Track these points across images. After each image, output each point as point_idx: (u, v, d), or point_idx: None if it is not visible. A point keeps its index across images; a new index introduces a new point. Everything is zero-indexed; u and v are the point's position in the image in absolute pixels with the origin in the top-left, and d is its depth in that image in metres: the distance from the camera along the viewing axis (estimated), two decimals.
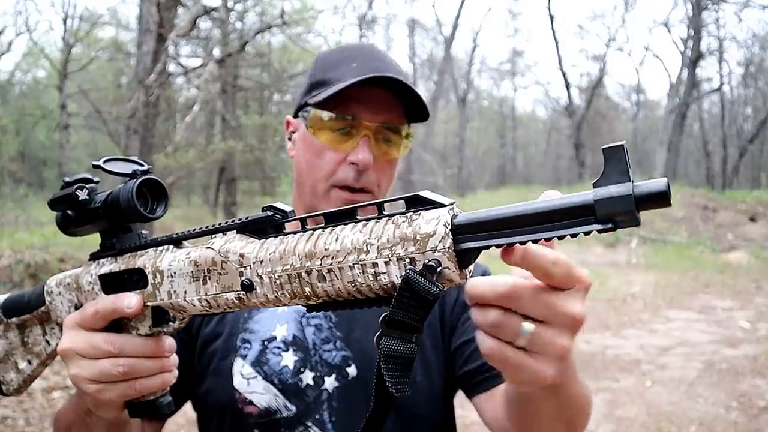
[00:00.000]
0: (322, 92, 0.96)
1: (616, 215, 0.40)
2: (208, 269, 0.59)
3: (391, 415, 0.94)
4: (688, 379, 5.23)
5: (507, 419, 0.82)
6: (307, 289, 0.52)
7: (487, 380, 0.96)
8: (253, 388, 0.98)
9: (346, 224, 0.51)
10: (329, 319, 1.02)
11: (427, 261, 0.45)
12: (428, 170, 23.89)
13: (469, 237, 0.45)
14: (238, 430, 0.98)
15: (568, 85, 26.80)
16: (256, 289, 0.55)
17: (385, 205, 0.51)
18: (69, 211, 0.71)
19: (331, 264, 0.49)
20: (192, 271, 0.61)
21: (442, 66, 27.73)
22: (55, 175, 23.27)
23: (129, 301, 0.66)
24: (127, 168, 0.69)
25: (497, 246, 0.45)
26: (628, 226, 0.40)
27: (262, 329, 1.02)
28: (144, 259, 0.67)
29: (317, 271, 0.50)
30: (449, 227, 0.45)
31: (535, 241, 0.43)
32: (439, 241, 0.45)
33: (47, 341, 0.82)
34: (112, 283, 0.71)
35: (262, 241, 0.56)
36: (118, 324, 0.70)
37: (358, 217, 0.51)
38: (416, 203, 0.48)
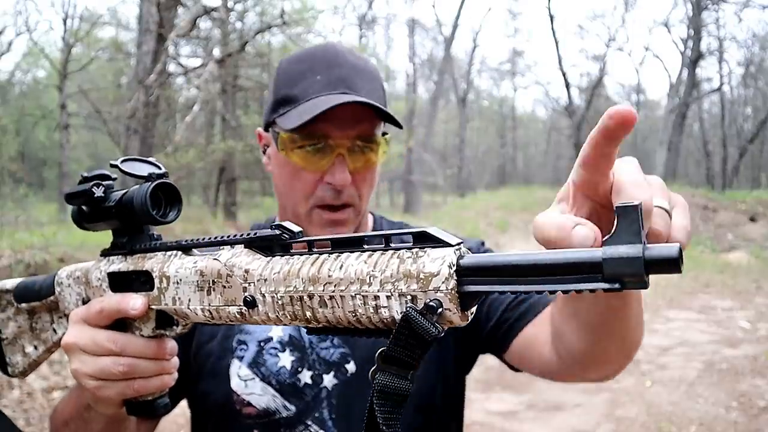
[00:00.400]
0: (290, 111, 0.94)
1: (623, 276, 0.39)
2: (213, 281, 0.60)
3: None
4: (688, 379, 5.23)
5: (575, 341, 0.80)
6: (308, 313, 0.52)
7: (527, 312, 0.96)
8: (251, 389, 0.97)
9: (353, 252, 0.51)
10: None
11: (428, 300, 0.45)
12: (428, 170, 23.90)
13: (473, 280, 0.45)
14: None
15: (568, 85, 26.80)
16: (258, 306, 0.56)
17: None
18: (84, 207, 0.72)
19: (333, 291, 0.50)
20: (197, 281, 0.62)
21: (442, 66, 27.73)
22: (55, 175, 23.28)
23: (134, 302, 0.67)
24: (144, 170, 0.69)
25: (500, 292, 0.45)
26: (635, 288, 0.40)
27: (258, 330, 1.01)
28: (152, 263, 0.68)
29: (319, 296, 0.51)
30: (454, 268, 0.45)
31: (539, 293, 0.43)
32: (443, 282, 0.45)
33: (54, 329, 0.84)
34: (119, 282, 0.72)
35: (268, 258, 0.56)
36: (122, 323, 0.71)
37: (365, 247, 0.51)
38: (424, 239, 0.47)
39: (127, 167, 0.69)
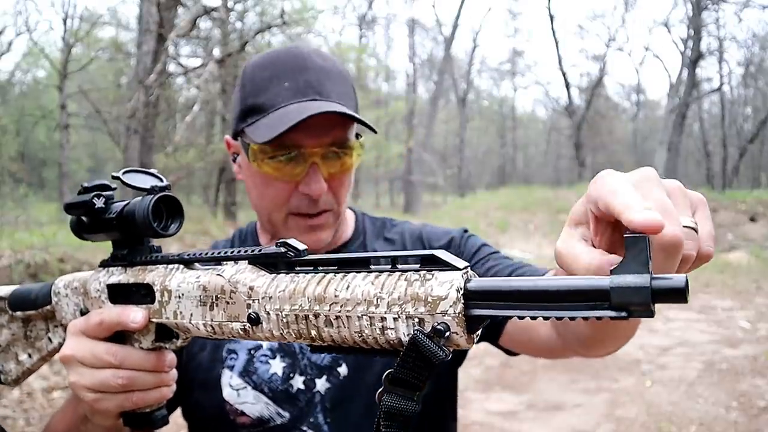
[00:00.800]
0: (260, 121, 0.90)
1: (630, 305, 0.40)
2: (216, 296, 0.60)
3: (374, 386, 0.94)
4: (688, 379, 5.23)
5: (576, 323, 0.76)
6: (313, 332, 0.52)
7: None
8: (243, 398, 0.97)
9: (359, 272, 0.51)
10: None
11: (436, 324, 0.45)
12: (428, 170, 23.91)
13: (480, 304, 0.45)
14: None
15: (568, 85, 26.81)
16: (262, 323, 0.56)
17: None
18: (84, 218, 0.72)
19: (339, 311, 0.50)
20: (200, 296, 0.61)
21: (442, 66, 27.73)
22: (55, 175, 23.28)
23: (134, 315, 0.66)
24: (146, 182, 0.69)
25: (507, 317, 0.45)
26: (641, 317, 0.40)
27: None
28: (153, 276, 0.67)
29: (325, 316, 0.51)
30: (461, 292, 0.45)
31: (545, 318, 0.43)
32: (450, 306, 0.45)
33: (49, 338, 0.83)
34: (119, 294, 0.71)
35: (273, 276, 0.56)
36: (121, 335, 0.70)
37: (372, 267, 0.51)
38: (431, 262, 0.47)
39: (129, 179, 0.68)
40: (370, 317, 0.48)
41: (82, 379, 0.68)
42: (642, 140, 36.65)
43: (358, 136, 0.97)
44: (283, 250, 0.56)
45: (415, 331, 0.46)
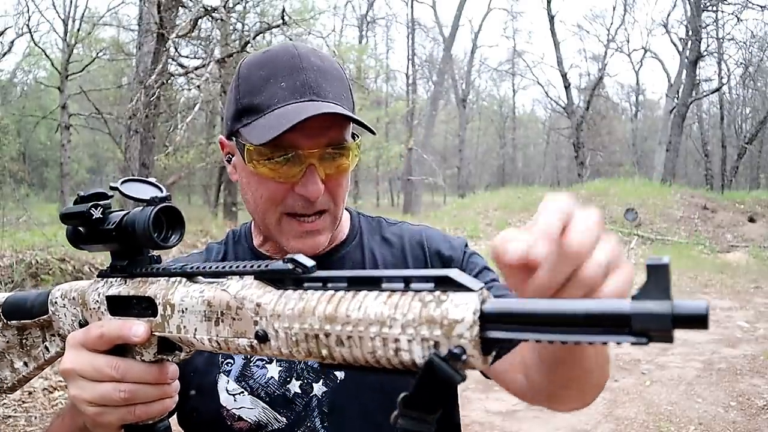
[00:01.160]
0: (255, 122, 0.89)
1: (651, 331, 0.40)
2: (221, 312, 0.59)
3: (376, 396, 0.94)
4: (687, 379, 5.24)
5: (537, 375, 0.78)
6: (324, 351, 0.51)
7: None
8: (240, 403, 0.96)
9: (371, 291, 0.50)
10: None
11: (452, 348, 0.45)
12: (428, 170, 23.91)
13: (496, 326, 0.44)
14: None
15: (567, 86, 26.80)
16: (270, 341, 0.55)
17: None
18: (81, 228, 0.71)
19: (351, 332, 0.49)
20: (204, 311, 0.60)
21: (442, 66, 27.73)
22: (56, 176, 23.27)
23: (136, 329, 0.65)
24: (146, 192, 0.67)
25: (524, 340, 0.45)
26: (660, 342, 0.41)
27: None
28: (155, 289, 0.66)
29: (336, 335, 0.50)
30: (478, 315, 0.44)
31: (563, 342, 0.43)
32: (467, 329, 0.44)
33: (46, 347, 0.82)
34: (119, 306, 0.70)
35: (280, 292, 0.55)
36: (122, 347, 0.69)
37: (383, 286, 0.50)
38: (445, 284, 0.47)
39: (128, 189, 0.67)
40: (383, 338, 0.47)
41: (83, 392, 0.67)
42: (641, 140, 36.64)
43: (355, 136, 0.97)
44: (291, 266, 0.54)
45: (432, 355, 0.45)
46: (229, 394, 0.96)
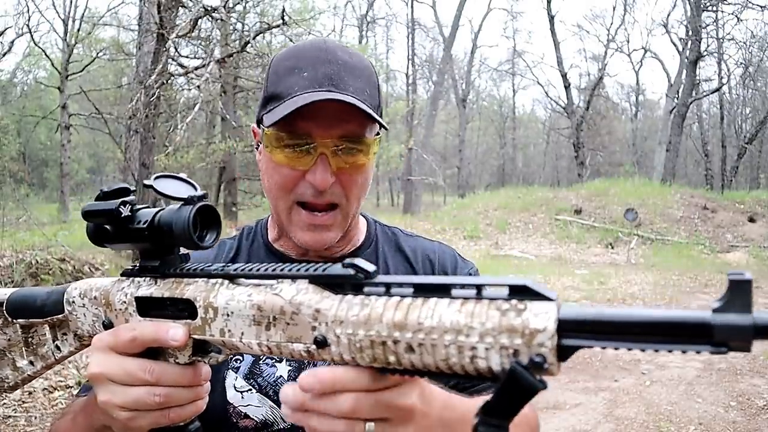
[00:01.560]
0: (275, 108, 0.91)
1: (731, 341, 0.42)
2: (273, 317, 0.57)
3: None
4: (687, 379, 5.25)
5: None
6: (392, 358, 0.51)
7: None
8: (247, 401, 0.95)
9: (441, 298, 0.49)
10: None
11: (534, 357, 0.45)
12: (428, 170, 23.91)
13: (573, 334, 0.45)
14: None
15: (567, 86, 26.81)
16: (330, 346, 0.53)
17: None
18: (107, 226, 0.67)
19: (423, 339, 0.48)
20: (254, 315, 0.58)
21: (442, 66, 27.73)
22: (56, 176, 23.28)
23: (174, 333, 0.63)
24: (182, 191, 0.64)
25: (602, 347, 0.45)
26: (737, 351, 0.42)
27: None
28: (194, 291, 0.63)
29: (407, 343, 0.49)
30: (557, 324, 0.45)
31: (642, 350, 0.44)
32: (549, 339, 0.45)
33: (57, 347, 0.79)
34: (150, 308, 0.67)
35: (339, 297, 0.54)
36: (153, 348, 0.66)
37: (454, 293, 0.49)
38: (522, 292, 0.47)
39: (162, 187, 0.63)
40: (458, 346, 0.47)
41: (115, 397, 0.64)
42: (641, 140, 36.65)
43: (380, 135, 0.96)
44: (352, 272, 0.53)
45: (514, 364, 0.45)
46: (237, 391, 0.96)
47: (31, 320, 0.78)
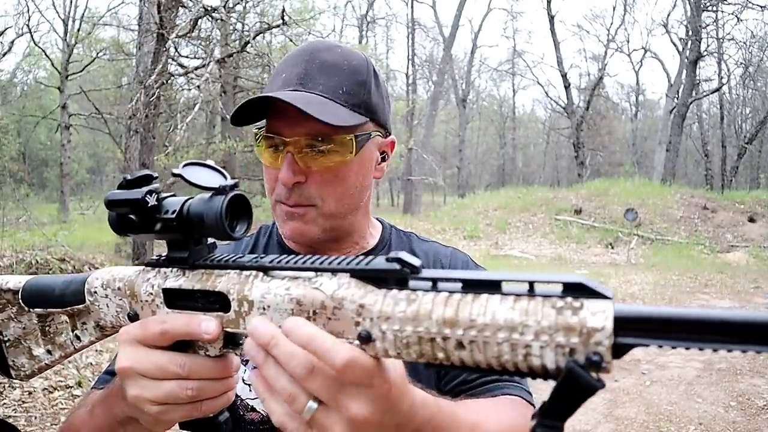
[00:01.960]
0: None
1: None
2: (313, 311, 0.55)
3: None
4: (687, 379, 5.25)
5: None
6: (440, 354, 0.50)
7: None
8: (255, 394, 0.93)
9: (492, 294, 0.49)
10: None
11: (591, 356, 0.45)
12: (428, 170, 23.91)
13: (629, 333, 0.45)
14: None
15: (567, 86, 26.82)
16: (375, 342, 0.52)
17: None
18: (132, 216, 0.65)
19: (475, 336, 0.48)
20: (292, 309, 0.57)
21: (442, 66, 27.74)
22: (56, 175, 23.28)
23: (207, 326, 0.62)
24: (212, 179, 0.62)
25: (658, 346, 0.44)
26: None
27: None
28: (226, 284, 0.61)
29: (457, 340, 0.48)
30: (614, 322, 0.44)
31: (700, 349, 0.43)
32: (606, 338, 0.44)
33: (77, 336, 0.77)
34: (179, 299, 0.65)
35: (384, 292, 0.52)
36: (181, 341, 0.65)
37: (504, 290, 0.49)
38: (578, 290, 0.46)
39: (191, 176, 0.60)
40: (512, 344, 0.47)
41: (146, 392, 0.63)
42: (641, 140, 36.66)
43: (370, 135, 0.95)
44: (398, 266, 0.52)
45: (572, 363, 0.45)
46: (245, 383, 0.96)
47: (48, 309, 0.77)
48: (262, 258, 0.61)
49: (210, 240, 0.66)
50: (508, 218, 17.13)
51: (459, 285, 0.50)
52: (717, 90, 25.60)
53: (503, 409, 0.87)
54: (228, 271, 0.62)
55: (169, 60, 8.24)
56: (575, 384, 0.45)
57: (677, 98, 23.42)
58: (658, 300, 8.64)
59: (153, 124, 8.03)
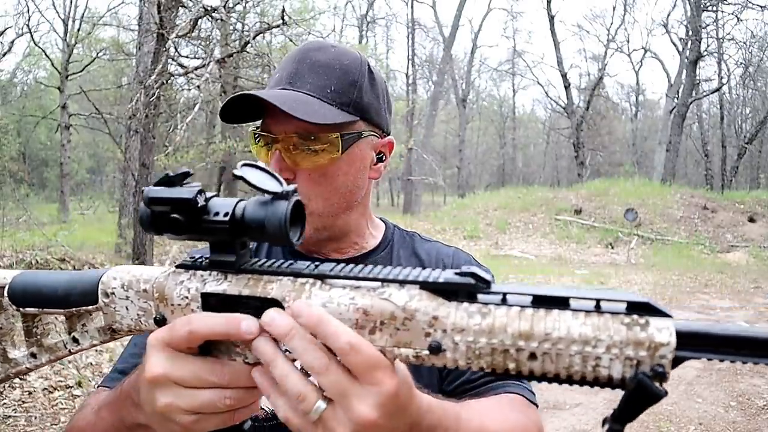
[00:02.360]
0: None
1: None
2: (381, 322, 0.56)
3: None
4: (687, 379, 5.25)
5: None
6: (511, 365, 0.53)
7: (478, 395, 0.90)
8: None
9: (562, 310, 0.52)
10: None
11: (656, 368, 0.50)
12: (428, 170, 23.92)
13: (686, 347, 0.50)
14: None
15: (567, 86, 26.82)
16: (445, 352, 0.54)
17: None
18: (177, 215, 0.60)
19: (548, 349, 0.51)
20: (357, 319, 0.56)
21: (442, 66, 27.74)
22: (56, 176, 23.28)
23: (248, 325, 0.58)
24: (272, 184, 0.59)
25: (708, 359, 0.50)
26: None
27: None
28: (281, 290, 0.59)
29: (530, 351, 0.52)
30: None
31: (743, 362, 0.48)
32: (670, 352, 0.50)
33: (74, 339, 0.71)
34: (219, 305, 0.62)
35: (455, 305, 0.54)
36: (209, 344, 0.62)
37: (572, 305, 0.52)
38: (643, 309, 0.51)
39: (253, 179, 0.58)
40: (584, 356, 0.50)
41: (180, 401, 0.59)
42: (641, 140, 36.65)
43: (360, 134, 0.94)
44: (471, 281, 0.54)
45: (641, 374, 0.50)
46: None
47: (45, 310, 0.70)
48: (320, 265, 0.60)
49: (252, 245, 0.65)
50: (508, 218, 17.13)
51: (528, 299, 0.53)
52: (717, 90, 25.60)
53: (506, 408, 0.87)
54: (280, 277, 0.60)
55: (169, 60, 8.24)
56: (644, 393, 0.50)
57: (677, 98, 23.42)
58: (658, 300, 8.63)
59: (153, 124, 8.02)
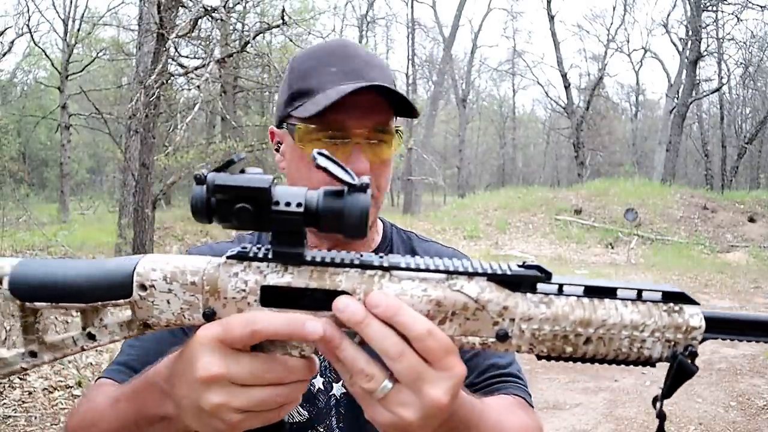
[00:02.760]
0: (306, 103, 0.91)
1: None
2: (453, 312, 0.58)
3: None
4: None
5: None
6: (568, 348, 0.59)
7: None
8: None
9: (613, 299, 0.59)
10: None
11: (691, 348, 0.59)
12: (428, 170, 23.91)
13: (712, 330, 0.60)
14: None
15: (567, 86, 26.81)
16: (511, 339, 0.59)
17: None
18: (246, 205, 0.57)
19: (603, 334, 0.58)
20: (429, 310, 0.58)
21: (442, 66, 27.74)
22: (56, 176, 23.28)
23: (312, 326, 0.56)
24: (346, 176, 0.57)
25: (730, 339, 0.61)
26: None
27: None
28: (350, 282, 0.58)
29: (587, 336, 0.58)
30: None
31: (757, 342, 0.61)
32: (701, 334, 0.59)
33: (90, 335, 0.65)
34: (280, 298, 0.59)
35: (520, 295, 0.59)
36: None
37: (619, 294, 0.59)
38: (677, 298, 0.59)
39: (335, 169, 0.57)
40: (632, 339, 0.58)
41: (234, 400, 0.57)
42: (641, 140, 36.64)
43: (397, 129, 0.98)
44: (537, 273, 0.59)
45: (680, 354, 0.59)
46: None
47: (61, 304, 0.63)
48: (390, 257, 0.60)
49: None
50: (508, 218, 17.13)
51: (580, 289, 0.59)
52: (717, 90, 25.59)
53: (513, 408, 0.90)
54: (348, 269, 0.59)
55: (169, 60, 8.23)
56: (682, 369, 0.58)
57: (677, 98, 23.42)
58: None
59: (153, 124, 8.02)
